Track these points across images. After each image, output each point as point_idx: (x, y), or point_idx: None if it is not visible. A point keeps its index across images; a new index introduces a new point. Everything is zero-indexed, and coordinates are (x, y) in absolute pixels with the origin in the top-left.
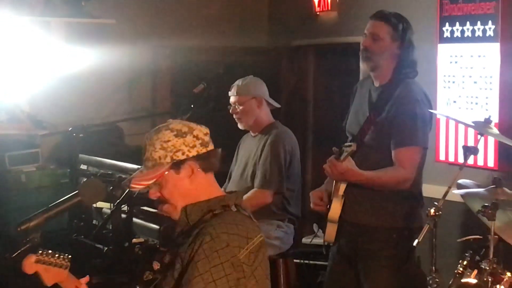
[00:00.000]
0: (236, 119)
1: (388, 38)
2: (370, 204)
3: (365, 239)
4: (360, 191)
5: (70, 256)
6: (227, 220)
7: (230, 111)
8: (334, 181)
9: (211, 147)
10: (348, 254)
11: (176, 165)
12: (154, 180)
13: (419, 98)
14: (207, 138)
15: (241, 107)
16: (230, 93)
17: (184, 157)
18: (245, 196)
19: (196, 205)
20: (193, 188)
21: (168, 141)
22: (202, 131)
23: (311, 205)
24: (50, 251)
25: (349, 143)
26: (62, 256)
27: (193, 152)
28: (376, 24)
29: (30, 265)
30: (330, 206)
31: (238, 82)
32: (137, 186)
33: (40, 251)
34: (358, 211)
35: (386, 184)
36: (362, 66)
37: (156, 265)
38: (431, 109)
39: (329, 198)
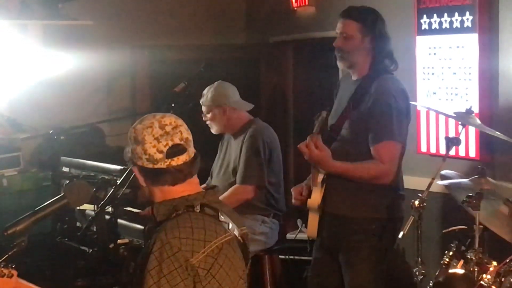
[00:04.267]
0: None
1: (358, 34)
2: (351, 196)
3: (346, 230)
4: (340, 183)
5: (14, 266)
6: (182, 224)
7: (203, 118)
8: (312, 170)
9: (162, 165)
10: (329, 246)
11: (131, 164)
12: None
13: (394, 93)
14: (158, 156)
15: (208, 115)
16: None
17: (135, 161)
18: (226, 193)
19: (162, 203)
20: (157, 189)
21: (129, 138)
22: (157, 147)
23: (293, 200)
24: None
25: (319, 113)
26: (4, 266)
27: (139, 163)
28: (344, 22)
29: None
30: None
31: (205, 90)
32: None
33: None
34: (338, 203)
35: (362, 176)
36: (338, 64)
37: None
38: (409, 103)
39: (309, 191)
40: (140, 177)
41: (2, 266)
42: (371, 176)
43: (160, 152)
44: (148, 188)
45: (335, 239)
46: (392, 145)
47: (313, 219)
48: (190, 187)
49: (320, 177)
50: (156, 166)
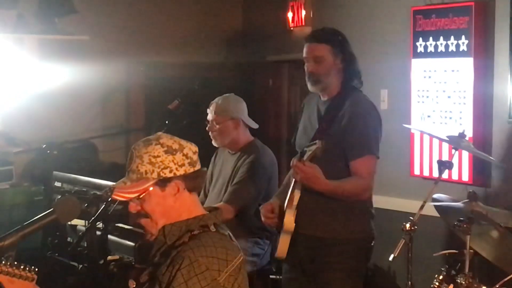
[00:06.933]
0: (211, 137)
1: (329, 56)
2: (324, 216)
3: (322, 252)
4: (314, 204)
5: (36, 269)
6: (206, 243)
7: (207, 128)
8: (290, 191)
9: (198, 166)
10: (304, 267)
11: (162, 182)
12: (138, 194)
13: (369, 109)
14: (195, 157)
15: (217, 127)
16: (208, 110)
17: (171, 175)
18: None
19: (174, 225)
20: (176, 206)
21: (158, 156)
22: (191, 149)
23: (262, 219)
24: (15, 263)
25: (314, 142)
26: (27, 268)
27: (181, 171)
28: (312, 46)
29: None
30: (284, 218)
31: (218, 100)
32: (119, 198)
33: (3, 262)
34: (313, 224)
35: (348, 193)
36: (311, 88)
37: (132, 284)
38: (380, 120)
39: (280, 210)
40: (175, 189)
41: (26, 268)
42: (356, 192)
43: (194, 153)
44: (169, 203)
45: (311, 261)
46: (371, 160)
47: (285, 240)
48: (200, 208)
49: (297, 197)
50: (196, 168)
